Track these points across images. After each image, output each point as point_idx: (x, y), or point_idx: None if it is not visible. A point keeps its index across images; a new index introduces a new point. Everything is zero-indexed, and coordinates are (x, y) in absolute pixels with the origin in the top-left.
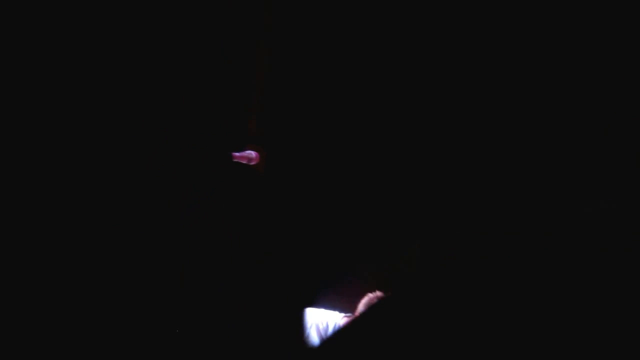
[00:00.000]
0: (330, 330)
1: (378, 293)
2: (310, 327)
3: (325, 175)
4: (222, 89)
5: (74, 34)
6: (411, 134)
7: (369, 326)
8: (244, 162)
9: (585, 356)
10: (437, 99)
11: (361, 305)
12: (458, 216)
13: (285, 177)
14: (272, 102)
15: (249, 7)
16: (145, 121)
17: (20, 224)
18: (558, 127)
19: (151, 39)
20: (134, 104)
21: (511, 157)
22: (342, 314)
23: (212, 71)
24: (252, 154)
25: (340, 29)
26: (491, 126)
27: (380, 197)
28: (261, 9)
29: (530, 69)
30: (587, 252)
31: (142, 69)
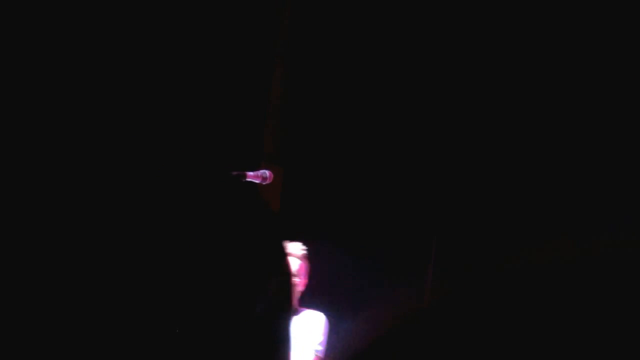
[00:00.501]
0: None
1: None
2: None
3: (342, 192)
4: (238, 108)
5: (90, 37)
6: (432, 154)
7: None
8: (258, 181)
9: None
10: (457, 117)
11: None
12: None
13: (302, 195)
14: (288, 121)
15: (266, 23)
16: (159, 137)
17: (16, 227)
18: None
19: (167, 57)
20: (149, 120)
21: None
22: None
23: (228, 90)
24: (266, 172)
25: (358, 47)
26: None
27: (400, 215)
28: (278, 25)
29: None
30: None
31: (159, 86)
